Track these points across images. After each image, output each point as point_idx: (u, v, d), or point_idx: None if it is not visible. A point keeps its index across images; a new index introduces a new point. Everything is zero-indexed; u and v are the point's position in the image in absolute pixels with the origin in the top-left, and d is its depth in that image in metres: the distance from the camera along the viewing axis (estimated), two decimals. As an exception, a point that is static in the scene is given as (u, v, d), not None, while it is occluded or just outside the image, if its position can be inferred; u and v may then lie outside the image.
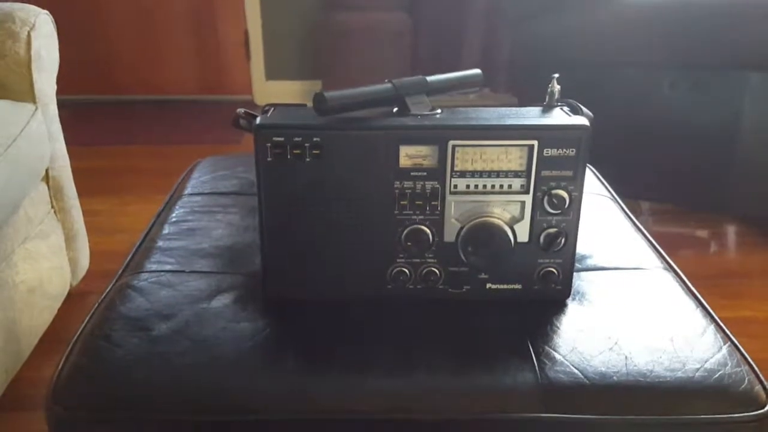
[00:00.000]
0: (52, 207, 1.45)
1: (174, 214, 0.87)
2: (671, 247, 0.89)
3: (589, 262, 0.76)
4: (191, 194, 0.93)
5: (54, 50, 1.45)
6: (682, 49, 1.62)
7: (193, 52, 3.05)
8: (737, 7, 1.57)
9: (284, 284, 0.67)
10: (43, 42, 1.37)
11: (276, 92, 3.06)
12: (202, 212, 0.87)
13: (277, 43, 3.01)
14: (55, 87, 1.46)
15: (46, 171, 1.41)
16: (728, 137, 1.64)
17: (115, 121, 2.93)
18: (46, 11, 1.42)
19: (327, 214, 0.64)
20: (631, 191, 1.25)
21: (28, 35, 1.32)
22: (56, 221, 1.46)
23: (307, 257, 0.66)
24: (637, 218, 0.90)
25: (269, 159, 0.63)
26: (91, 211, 1.99)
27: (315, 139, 0.62)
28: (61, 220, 1.48)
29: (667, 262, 0.78)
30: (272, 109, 0.67)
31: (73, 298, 1.52)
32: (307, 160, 0.62)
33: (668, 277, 0.74)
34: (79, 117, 2.87)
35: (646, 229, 0.87)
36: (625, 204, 0.95)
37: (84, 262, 1.57)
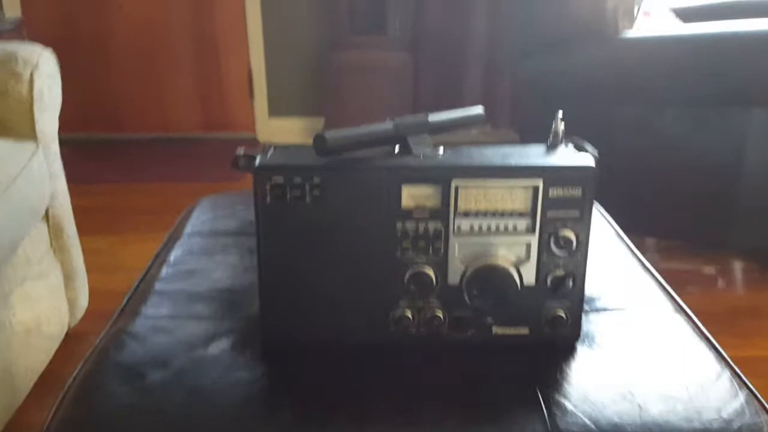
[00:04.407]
0: (52, 246, 1.44)
1: (172, 256, 0.85)
2: (678, 284, 0.87)
3: (598, 304, 0.74)
4: (191, 234, 0.91)
5: (56, 89, 1.45)
6: (685, 85, 1.62)
7: (196, 90, 3.08)
8: (740, 43, 1.57)
9: (283, 329, 0.65)
10: (46, 81, 1.37)
11: (279, 129, 3.08)
12: (201, 253, 0.86)
13: (280, 80, 3.03)
14: (57, 125, 1.46)
15: (46, 210, 1.40)
16: (732, 172, 1.63)
17: (118, 159, 2.94)
18: (49, 50, 1.43)
19: (327, 256, 0.63)
20: (634, 227, 1.23)
21: (31, 75, 1.32)
22: (55, 261, 1.44)
23: (306, 301, 0.64)
24: (642, 255, 0.89)
25: (268, 200, 0.61)
26: (92, 249, 1.97)
27: (315, 179, 0.61)
28: (60, 259, 1.46)
29: (678, 303, 0.76)
30: (272, 149, 0.66)
31: (72, 338, 1.50)
32: (307, 201, 0.61)
33: (679, 320, 0.72)
34: (82, 155, 2.88)
35: (651, 265, 0.85)
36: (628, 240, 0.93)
37: (83, 302, 1.55)
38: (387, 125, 0.64)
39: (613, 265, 0.83)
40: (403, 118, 0.65)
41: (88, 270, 1.59)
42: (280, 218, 0.62)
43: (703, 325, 0.73)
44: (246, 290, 0.76)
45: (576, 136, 0.67)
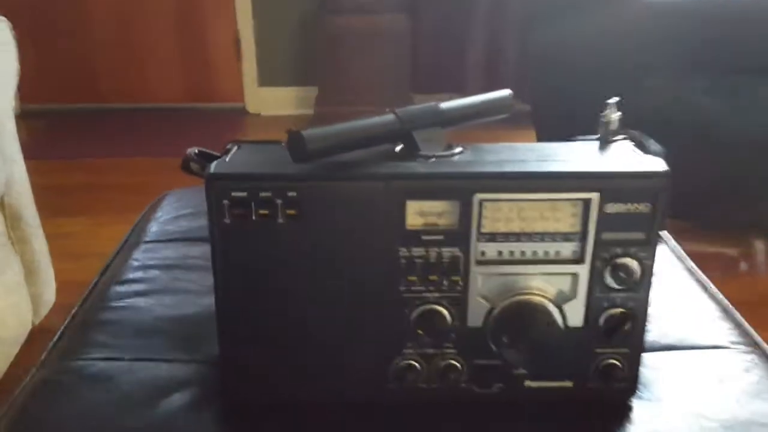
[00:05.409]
0: (9, 238, 1.28)
1: (124, 270, 0.70)
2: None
3: (652, 339, 0.59)
4: (149, 242, 0.76)
5: (12, 61, 1.28)
6: (718, 52, 1.45)
7: (179, 57, 2.88)
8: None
9: (251, 385, 0.50)
10: (-4, 53, 1.20)
11: (269, 99, 2.90)
12: (159, 267, 0.70)
13: (270, 47, 2.84)
14: (13, 103, 1.30)
15: (2, 198, 1.24)
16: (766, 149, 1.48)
17: (95, 131, 2.75)
18: (2, 17, 1.26)
19: (307, 294, 0.47)
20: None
21: (-22, 47, 1.15)
22: (14, 254, 1.29)
23: (280, 350, 0.49)
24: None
25: (227, 221, 0.46)
26: (61, 233, 1.82)
27: (290, 193, 0.45)
28: (20, 252, 1.31)
29: (751, 337, 0.61)
30: (236, 148, 0.50)
31: (36, 336, 1.35)
32: (280, 221, 0.46)
33: (754, 360, 0.57)
34: (56, 128, 2.70)
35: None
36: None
37: (49, 296, 1.41)
38: (386, 117, 0.49)
39: (665, 284, 0.68)
40: (408, 108, 0.49)
41: (58, 258, 1.45)
42: (243, 244, 0.46)
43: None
44: (208, 320, 0.60)
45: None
